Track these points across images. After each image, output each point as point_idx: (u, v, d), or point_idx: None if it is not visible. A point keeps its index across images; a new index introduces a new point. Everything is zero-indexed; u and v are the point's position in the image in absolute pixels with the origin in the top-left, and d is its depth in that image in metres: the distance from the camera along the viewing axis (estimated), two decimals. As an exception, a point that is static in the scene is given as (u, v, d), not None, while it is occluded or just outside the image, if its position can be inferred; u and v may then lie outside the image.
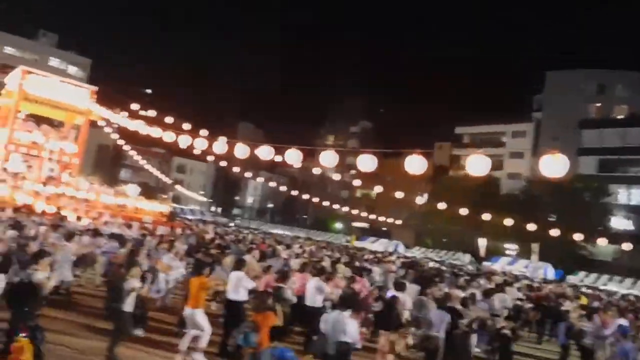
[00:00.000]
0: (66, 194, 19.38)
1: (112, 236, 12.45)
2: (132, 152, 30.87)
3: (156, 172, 37.10)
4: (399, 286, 9.45)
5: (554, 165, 6.35)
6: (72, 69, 55.00)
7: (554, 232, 24.61)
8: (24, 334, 4.93)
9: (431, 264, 30.68)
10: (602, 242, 28.59)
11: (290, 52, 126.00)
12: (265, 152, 14.90)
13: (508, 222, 23.90)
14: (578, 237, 25.15)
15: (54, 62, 53.75)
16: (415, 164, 9.60)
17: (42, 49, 54.71)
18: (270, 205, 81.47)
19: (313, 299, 8.74)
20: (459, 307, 8.70)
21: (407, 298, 9.41)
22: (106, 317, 7.94)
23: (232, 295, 7.83)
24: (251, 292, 8.14)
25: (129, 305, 6.60)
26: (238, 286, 7.79)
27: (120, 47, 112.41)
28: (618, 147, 43.53)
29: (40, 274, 6.48)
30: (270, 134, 75.13)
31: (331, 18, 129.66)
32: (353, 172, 57.33)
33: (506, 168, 53.47)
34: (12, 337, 5.04)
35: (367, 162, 11.31)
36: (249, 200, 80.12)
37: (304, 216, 74.19)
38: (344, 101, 72.65)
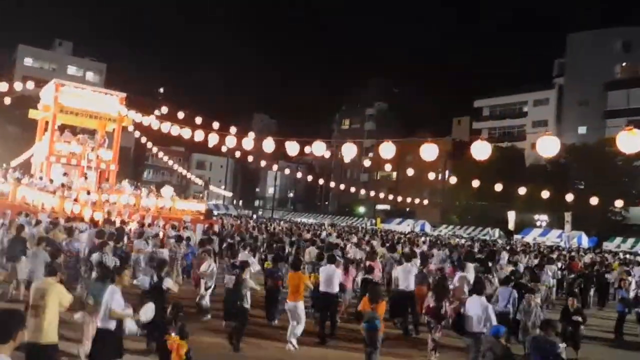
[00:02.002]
0: (110, 200, 19.90)
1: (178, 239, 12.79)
2: (160, 153, 31.41)
3: (182, 171, 37.66)
4: (461, 266, 9.63)
5: (632, 142, 6.37)
6: (89, 75, 55.83)
7: (587, 200, 24.31)
8: (173, 333, 5.25)
9: (462, 241, 30.67)
10: (635, 205, 28.07)
11: (302, 38, 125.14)
12: (292, 147, 15.17)
13: (544, 193, 23.63)
14: (616, 203, 24.69)
15: (71, 69, 54.61)
16: (430, 150, 9.74)
17: (59, 58, 55.62)
18: (290, 195, 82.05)
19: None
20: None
21: (470, 277, 9.61)
22: (228, 316, 8.30)
23: (324, 288, 8.19)
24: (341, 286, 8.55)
25: (247, 303, 7.33)
26: (331, 279, 8.16)
27: (131, 48, 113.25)
28: (647, 107, 42.44)
29: (169, 280, 7.17)
30: (286, 124, 75.48)
31: (339, 5, 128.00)
32: (371, 155, 57.45)
33: (529, 138, 52.66)
34: (162, 335, 5.37)
35: (387, 149, 11.40)
36: (270, 190, 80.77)
37: (326, 202, 74.55)
38: (358, 84, 72.21)
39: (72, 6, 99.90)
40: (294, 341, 7.68)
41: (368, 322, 6.60)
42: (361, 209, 64.85)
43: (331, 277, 8.26)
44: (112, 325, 5.25)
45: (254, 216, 52.11)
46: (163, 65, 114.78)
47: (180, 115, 22.35)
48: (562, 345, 6.39)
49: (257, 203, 79.41)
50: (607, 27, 47.78)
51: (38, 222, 12.48)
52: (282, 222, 39.01)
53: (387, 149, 10.78)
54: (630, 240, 34.52)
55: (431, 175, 30.68)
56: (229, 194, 61.02)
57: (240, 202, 75.61)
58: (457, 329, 7.01)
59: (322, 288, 8.28)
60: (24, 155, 26.12)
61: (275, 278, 9.02)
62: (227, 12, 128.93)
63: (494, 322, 6.48)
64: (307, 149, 15.05)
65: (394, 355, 7.84)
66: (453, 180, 41.00)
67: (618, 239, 35.42)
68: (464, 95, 61.77)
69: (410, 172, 30.15)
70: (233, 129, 21.39)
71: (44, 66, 53.53)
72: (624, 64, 48.35)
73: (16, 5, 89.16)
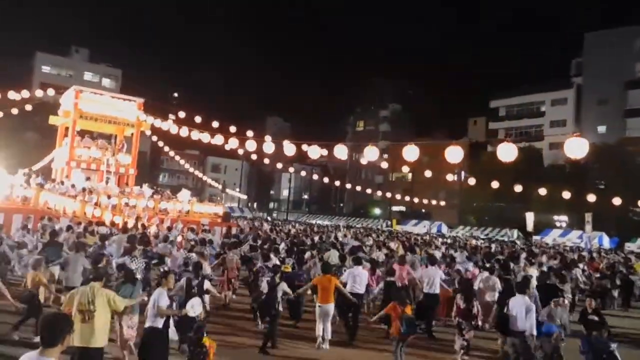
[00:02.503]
0: (129, 204, 20.12)
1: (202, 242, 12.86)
2: (177, 157, 31.73)
3: (199, 174, 37.98)
4: (490, 270, 9.48)
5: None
6: (106, 81, 56.76)
7: (608, 200, 23.77)
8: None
9: (479, 242, 30.23)
10: None
11: (313, 43, 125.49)
12: (313, 150, 15.22)
13: (563, 194, 23.20)
14: (628, 201, 23.97)
15: (87, 75, 55.61)
16: (454, 153, 9.64)
17: (76, 65, 56.69)
18: (305, 197, 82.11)
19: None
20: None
21: (496, 280, 9.43)
22: (264, 318, 8.42)
23: (352, 288, 8.26)
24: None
25: (280, 307, 7.60)
26: (358, 280, 8.26)
27: (145, 54, 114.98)
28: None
29: (208, 282, 7.41)
30: (300, 126, 75.70)
31: (349, 6, 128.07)
32: (386, 156, 57.18)
33: (547, 138, 51.87)
34: (198, 337, 5.65)
35: (411, 152, 11.32)
36: (284, 193, 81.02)
37: (341, 204, 74.41)
38: (371, 86, 71.96)
39: (88, 14, 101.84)
40: (326, 340, 7.80)
41: (409, 325, 6.57)
42: (376, 211, 64.59)
43: (357, 278, 8.31)
44: (160, 323, 5.47)
45: (268, 218, 52.30)
46: (177, 70, 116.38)
47: (197, 119, 22.59)
48: (615, 345, 6.34)
49: (271, 205, 79.71)
50: (618, 26, 46.97)
51: (69, 228, 12.68)
52: (297, 225, 39.03)
53: (411, 152, 10.73)
54: (653, 241, 33.75)
55: (448, 177, 30.37)
56: (244, 197, 61.38)
57: (255, 205, 76.01)
58: (501, 328, 6.99)
59: (348, 288, 8.28)
60: (44, 160, 26.62)
61: (300, 281, 9.03)
62: (241, 16, 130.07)
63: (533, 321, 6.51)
64: (323, 151, 15.14)
65: (424, 357, 7.83)
66: (470, 181, 40.61)
67: (640, 240, 34.64)
68: (479, 96, 61.22)
69: (426, 173, 29.86)
70: (250, 133, 21.55)
71: (61, 73, 54.62)
72: (643, 62, 47.43)
73: (32, 14, 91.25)
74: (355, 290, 8.28)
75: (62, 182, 20.11)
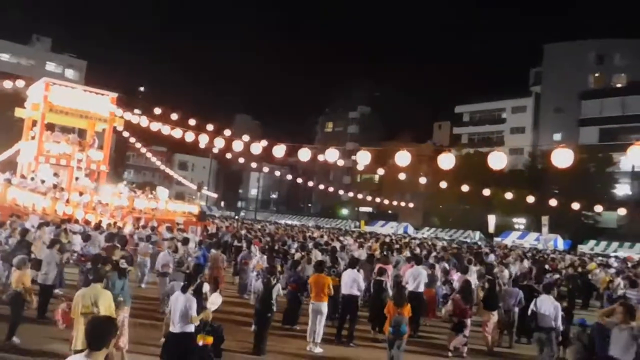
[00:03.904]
0: (102, 202, 19.70)
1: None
2: (149, 154, 31.13)
3: (170, 172, 37.22)
4: (465, 270, 10.09)
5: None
6: (69, 72, 54.52)
7: (564, 205, 25.27)
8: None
9: (444, 243, 31.29)
10: (607, 210, 29.16)
11: (283, 42, 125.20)
12: (278, 150, 15.67)
13: (530, 199, 24.55)
14: (581, 206, 25.49)
15: (50, 66, 53.21)
16: (403, 157, 10.42)
17: (38, 54, 54.10)
18: (273, 196, 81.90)
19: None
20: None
21: (474, 279, 10.08)
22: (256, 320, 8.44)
23: (347, 290, 8.49)
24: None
25: (274, 308, 7.70)
26: (353, 283, 8.47)
27: (112, 46, 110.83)
28: (618, 116, 44.17)
29: (207, 285, 7.36)
30: (269, 125, 75.39)
31: (321, 7, 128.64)
32: (354, 157, 58.03)
33: (508, 144, 54.14)
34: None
35: (364, 157, 12.22)
36: (252, 192, 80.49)
37: (309, 204, 74.76)
38: (341, 88, 72.80)
39: (50, 2, 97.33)
40: (318, 341, 7.95)
41: (394, 326, 6.84)
42: (344, 211, 65.32)
43: (353, 280, 8.56)
44: (192, 328, 5.59)
45: (237, 218, 51.92)
46: (142, 63, 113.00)
47: (165, 114, 22.21)
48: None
49: (239, 204, 79.01)
50: (581, 38, 49.82)
51: (41, 225, 12.36)
52: (268, 225, 39.06)
53: (364, 157, 11.63)
54: (603, 243, 36.04)
55: (413, 178, 31.19)
56: (215, 195, 60.60)
57: (222, 204, 75.12)
58: (531, 326, 7.60)
59: (344, 291, 8.56)
60: (4, 154, 25.47)
61: (294, 282, 9.28)
62: (211, 14, 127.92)
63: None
64: (291, 151, 15.54)
65: (423, 354, 8.27)
66: (434, 183, 41.93)
67: (592, 242, 36.91)
68: (445, 101, 63.11)
69: (391, 175, 30.55)
70: (227, 132, 21.51)
71: (21, 62, 52.03)
72: (597, 74, 50.48)
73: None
74: (349, 292, 8.51)
75: (32, 178, 19.40)
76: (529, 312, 7.48)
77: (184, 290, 5.71)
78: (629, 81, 47.63)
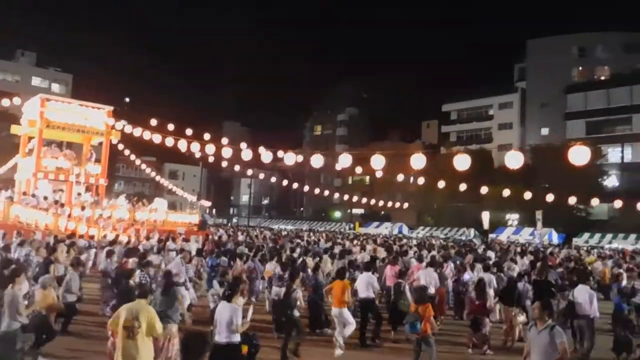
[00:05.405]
0: (103, 215, 19.64)
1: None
2: (143, 165, 30.96)
3: (164, 182, 36.91)
4: (486, 268, 10.35)
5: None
6: (55, 86, 53.95)
7: (556, 199, 25.66)
8: None
9: (439, 242, 31.63)
10: (597, 202, 29.55)
11: (268, 46, 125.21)
12: (267, 155, 15.94)
13: (526, 195, 24.91)
14: (574, 199, 25.98)
15: (35, 80, 52.62)
16: (419, 160, 10.90)
17: (23, 69, 53.47)
18: (265, 202, 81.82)
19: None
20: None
21: (492, 277, 10.30)
22: (278, 327, 8.52)
23: (363, 294, 8.67)
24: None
25: (297, 313, 7.63)
26: (369, 286, 8.64)
27: (97, 58, 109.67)
28: (604, 109, 44.96)
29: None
30: (257, 130, 75.37)
31: (307, 6, 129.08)
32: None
33: (496, 140, 54.85)
34: None
35: (344, 160, 12.59)
36: (244, 198, 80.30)
37: (301, 208, 74.79)
38: (327, 90, 73.07)
39: (33, 16, 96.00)
40: (341, 342, 8.02)
41: (408, 323, 7.08)
42: (337, 214, 65.49)
43: (368, 283, 8.74)
44: (237, 337, 5.64)
45: (230, 225, 51.76)
46: (129, 75, 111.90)
47: (154, 123, 21.99)
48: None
49: (231, 211, 78.79)
50: (563, 33, 50.87)
51: (57, 242, 12.29)
52: (264, 230, 39.09)
53: (346, 160, 12.00)
54: (597, 236, 36.61)
55: (404, 178, 31.21)
56: (208, 204, 60.35)
57: (214, 211, 74.75)
58: (569, 314, 8.03)
59: (360, 294, 8.74)
60: (1, 169, 25.19)
61: (312, 287, 9.45)
62: (197, 19, 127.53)
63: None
64: (279, 154, 15.75)
65: (441, 352, 8.27)
66: (426, 182, 42.24)
67: (586, 235, 37.45)
68: (432, 100, 63.90)
69: (382, 175, 30.57)
70: (207, 138, 21.36)
71: (6, 78, 51.37)
72: (580, 68, 51.49)
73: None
74: (366, 296, 8.68)
75: (34, 195, 19.24)
76: (566, 302, 7.91)
77: (228, 299, 5.80)
78: (612, 73, 48.52)
